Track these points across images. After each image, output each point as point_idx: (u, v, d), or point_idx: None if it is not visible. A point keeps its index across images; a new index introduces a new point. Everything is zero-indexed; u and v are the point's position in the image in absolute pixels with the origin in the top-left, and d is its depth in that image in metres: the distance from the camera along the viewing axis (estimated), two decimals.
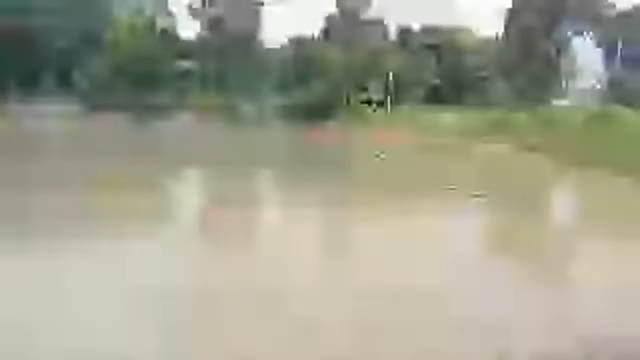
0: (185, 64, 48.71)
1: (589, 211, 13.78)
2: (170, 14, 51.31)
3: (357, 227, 10.28)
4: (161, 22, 49.38)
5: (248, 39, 50.45)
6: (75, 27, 44.70)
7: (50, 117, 37.86)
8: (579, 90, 45.97)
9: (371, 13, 50.20)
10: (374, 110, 42.11)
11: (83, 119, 38.28)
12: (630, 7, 52.22)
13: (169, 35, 49.48)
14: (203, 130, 37.27)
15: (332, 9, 50.87)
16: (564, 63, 44.02)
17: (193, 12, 48.97)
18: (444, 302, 6.20)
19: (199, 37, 52.38)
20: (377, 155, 24.10)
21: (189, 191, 14.80)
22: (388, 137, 32.97)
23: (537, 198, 15.92)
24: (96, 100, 41.41)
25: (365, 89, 44.18)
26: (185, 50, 51.81)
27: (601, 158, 20.43)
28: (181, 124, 39.96)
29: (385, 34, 49.52)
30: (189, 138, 32.79)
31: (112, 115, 40.48)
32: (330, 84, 42.45)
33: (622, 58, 51.68)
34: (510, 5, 44.22)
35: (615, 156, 20.25)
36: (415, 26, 50.94)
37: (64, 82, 42.86)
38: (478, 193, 14.81)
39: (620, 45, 51.92)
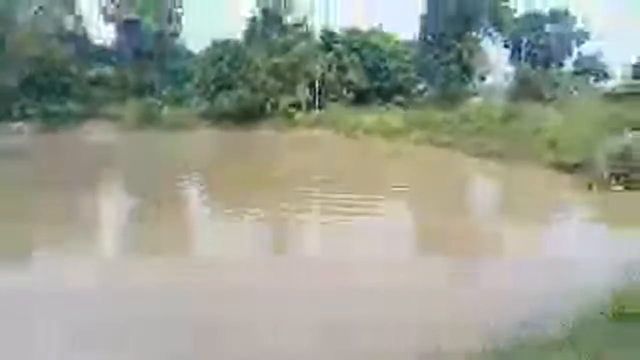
0: (100, 70, 46.00)
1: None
2: (79, 17, 48.09)
3: None
4: (69, 25, 46.17)
5: (167, 43, 48.67)
6: None
7: None
8: (490, 87, 49.26)
9: (294, 15, 50.34)
10: (301, 113, 42.36)
11: None
12: (530, 11, 57.15)
13: (78, 39, 46.41)
14: (119, 139, 35.66)
15: (254, 11, 50.38)
16: (476, 63, 46.87)
17: (106, 15, 46.26)
18: None
19: (114, 42, 49.71)
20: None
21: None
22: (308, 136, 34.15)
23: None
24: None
25: (291, 92, 44.24)
26: (99, 55, 49.01)
27: (502, 150, 22.62)
28: (94, 134, 37.84)
29: (308, 37, 49.83)
30: (96, 149, 31.40)
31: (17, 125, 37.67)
32: (255, 88, 42.04)
33: (527, 57, 56.26)
34: (424, 12, 46.38)
35: (511, 148, 22.34)
36: (338, 29, 51.74)
37: None
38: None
39: (524, 46, 56.50)
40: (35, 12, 46.04)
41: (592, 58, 59.56)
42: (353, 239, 10.70)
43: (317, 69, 45.58)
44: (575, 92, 42.46)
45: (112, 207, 15.07)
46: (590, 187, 16.19)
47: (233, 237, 11.16)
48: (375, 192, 16.84)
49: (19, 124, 38.63)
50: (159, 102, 43.92)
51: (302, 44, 45.52)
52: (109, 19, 46.46)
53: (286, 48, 44.63)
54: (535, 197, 16.33)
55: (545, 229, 12.56)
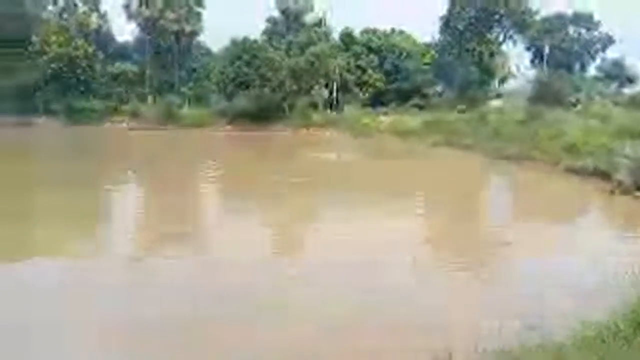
0: (122, 66, 46.91)
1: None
2: (102, 15, 49.19)
3: None
4: (94, 23, 47.21)
5: (187, 41, 49.38)
6: None
7: None
8: (511, 90, 48.75)
9: (313, 15, 50.62)
10: (318, 113, 42.59)
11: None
12: (552, 13, 56.28)
13: (101, 36, 47.45)
14: (139, 136, 36.32)
15: (274, 10, 50.88)
16: (496, 66, 46.52)
17: (129, 13, 47.18)
18: None
19: (136, 39, 50.64)
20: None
21: None
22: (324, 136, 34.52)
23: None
24: (26, 106, 39.19)
25: (309, 92, 44.52)
26: (121, 52, 50.01)
27: (521, 154, 22.44)
28: (117, 130, 38.68)
29: (327, 37, 50.06)
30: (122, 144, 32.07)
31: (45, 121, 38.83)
32: (273, 87, 42.37)
33: (549, 60, 55.48)
34: (444, 13, 46.18)
35: (531, 152, 22.15)
36: (357, 29, 51.89)
37: None
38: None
39: (546, 49, 55.71)
40: (60, 10, 47.32)
41: (617, 63, 58.45)
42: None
43: (335, 69, 45.75)
44: (597, 97, 41.78)
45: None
46: (612, 192, 16.03)
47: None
48: (404, 196, 16.68)
49: (43, 118, 39.68)
50: (178, 100, 44.58)
51: (321, 44, 45.74)
52: (131, 16, 47.37)
53: (304, 48, 44.90)
54: (561, 202, 16.16)
55: (576, 232, 12.52)
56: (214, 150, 31.18)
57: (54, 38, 40.99)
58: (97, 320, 6.57)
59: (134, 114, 41.42)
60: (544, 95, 37.94)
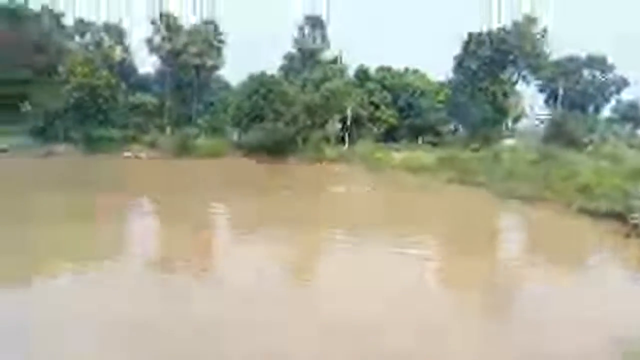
0: (142, 97, 48.30)
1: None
2: (126, 48, 51.21)
3: None
4: (118, 55, 49.09)
5: (207, 74, 50.92)
6: (27, 59, 43.59)
7: None
8: (524, 130, 48.95)
9: (329, 53, 52.07)
10: (330, 148, 43.08)
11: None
12: (566, 55, 56.95)
13: (125, 68, 49.19)
14: (155, 166, 36.94)
15: (292, 48, 52.44)
16: (510, 105, 46.92)
17: (151, 46, 49.02)
18: None
19: (157, 72, 52.33)
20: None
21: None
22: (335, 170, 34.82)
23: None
24: (48, 134, 40.53)
25: (322, 126, 45.22)
26: (142, 83, 51.59)
27: (534, 194, 22.31)
28: (132, 160, 39.46)
29: (342, 73, 51.24)
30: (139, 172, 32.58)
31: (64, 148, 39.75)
32: (288, 121, 43.16)
33: (563, 101, 55.82)
34: (459, 52, 47.11)
35: (543, 192, 22.01)
36: (372, 66, 53.09)
37: (14, 114, 41.32)
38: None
39: (560, 90, 56.16)
40: (87, 43, 49.47)
41: (633, 105, 58.53)
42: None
43: (350, 105, 46.58)
44: (612, 138, 41.72)
45: None
46: (627, 236, 15.87)
47: None
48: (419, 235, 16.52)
49: (63, 146, 40.72)
50: (196, 131, 45.55)
51: (336, 80, 46.78)
52: (153, 49, 49.15)
53: (320, 84, 45.96)
54: (578, 244, 15.96)
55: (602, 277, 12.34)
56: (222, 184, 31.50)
57: (79, 69, 42.59)
58: None
59: (152, 144, 42.32)
60: (557, 135, 38.09)
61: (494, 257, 13.94)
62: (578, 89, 56.76)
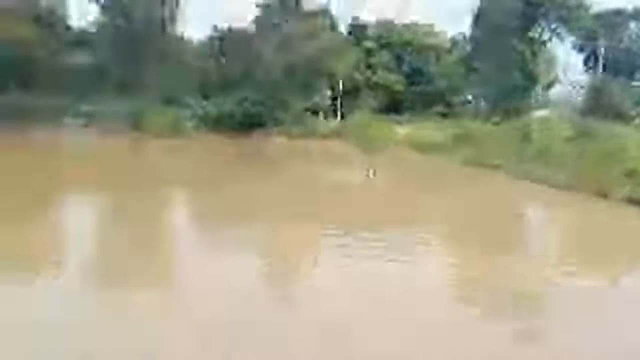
0: (79, 57, 47.08)
1: None
2: None
3: None
4: (45, 3, 47.68)
5: (161, 29, 49.71)
6: None
7: None
8: (558, 99, 48.86)
9: (315, 1, 51.13)
10: (318, 121, 42.74)
11: None
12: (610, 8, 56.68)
13: (54, 21, 47.75)
14: (101, 144, 36.21)
15: None
16: (540, 69, 46.68)
17: None
18: None
19: (97, 25, 50.97)
20: None
21: None
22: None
23: None
24: None
25: (308, 95, 44.66)
26: (79, 40, 50.18)
27: (570, 180, 22.04)
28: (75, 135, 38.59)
29: (333, 28, 50.49)
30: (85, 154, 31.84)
31: None
32: (266, 88, 42.50)
33: (605, 64, 55.71)
34: (476, 3, 46.60)
35: (581, 177, 21.76)
36: (369, 20, 52.49)
37: None
38: None
39: (602, 50, 55.97)
40: None
41: None
42: None
43: (342, 68, 46.02)
44: None
45: None
46: None
47: None
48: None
49: None
50: (147, 101, 44.56)
51: (324, 37, 46.02)
52: None
53: (304, 41, 45.13)
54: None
55: None
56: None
57: None
58: None
59: (90, 116, 41.55)
60: (597, 106, 38.10)
61: (540, 273, 13.38)
62: (624, 47, 56.69)
